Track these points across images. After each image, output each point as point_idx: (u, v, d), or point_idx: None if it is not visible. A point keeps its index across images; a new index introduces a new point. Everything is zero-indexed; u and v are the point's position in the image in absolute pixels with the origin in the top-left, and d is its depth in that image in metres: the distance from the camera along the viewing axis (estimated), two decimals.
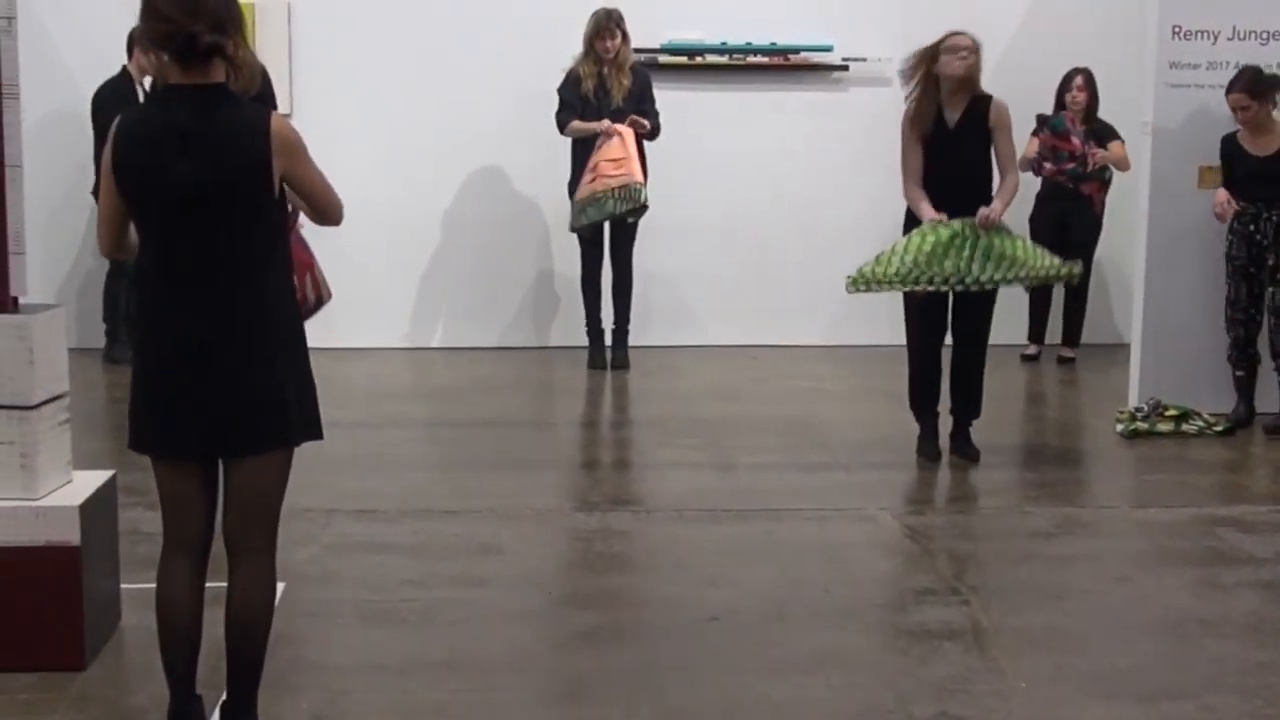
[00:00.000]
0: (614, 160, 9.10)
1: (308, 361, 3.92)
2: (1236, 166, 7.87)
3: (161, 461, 3.85)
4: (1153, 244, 8.18)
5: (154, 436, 3.81)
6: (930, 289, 6.99)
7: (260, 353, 3.76)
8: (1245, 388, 8.02)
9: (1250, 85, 7.77)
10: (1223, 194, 7.87)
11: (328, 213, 3.92)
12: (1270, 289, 7.83)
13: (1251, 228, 7.84)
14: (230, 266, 3.72)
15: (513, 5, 10.10)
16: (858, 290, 7.12)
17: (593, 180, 9.15)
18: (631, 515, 6.37)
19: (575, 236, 9.65)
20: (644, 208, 9.16)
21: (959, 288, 6.96)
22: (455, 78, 10.14)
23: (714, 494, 6.70)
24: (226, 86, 3.70)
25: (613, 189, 9.08)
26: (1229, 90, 7.81)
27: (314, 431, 3.93)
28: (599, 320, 9.73)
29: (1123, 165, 9.65)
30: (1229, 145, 7.92)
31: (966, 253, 6.89)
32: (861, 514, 6.39)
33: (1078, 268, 7.33)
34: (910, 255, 6.90)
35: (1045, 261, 7.06)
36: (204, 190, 3.65)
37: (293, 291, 3.89)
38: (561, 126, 9.33)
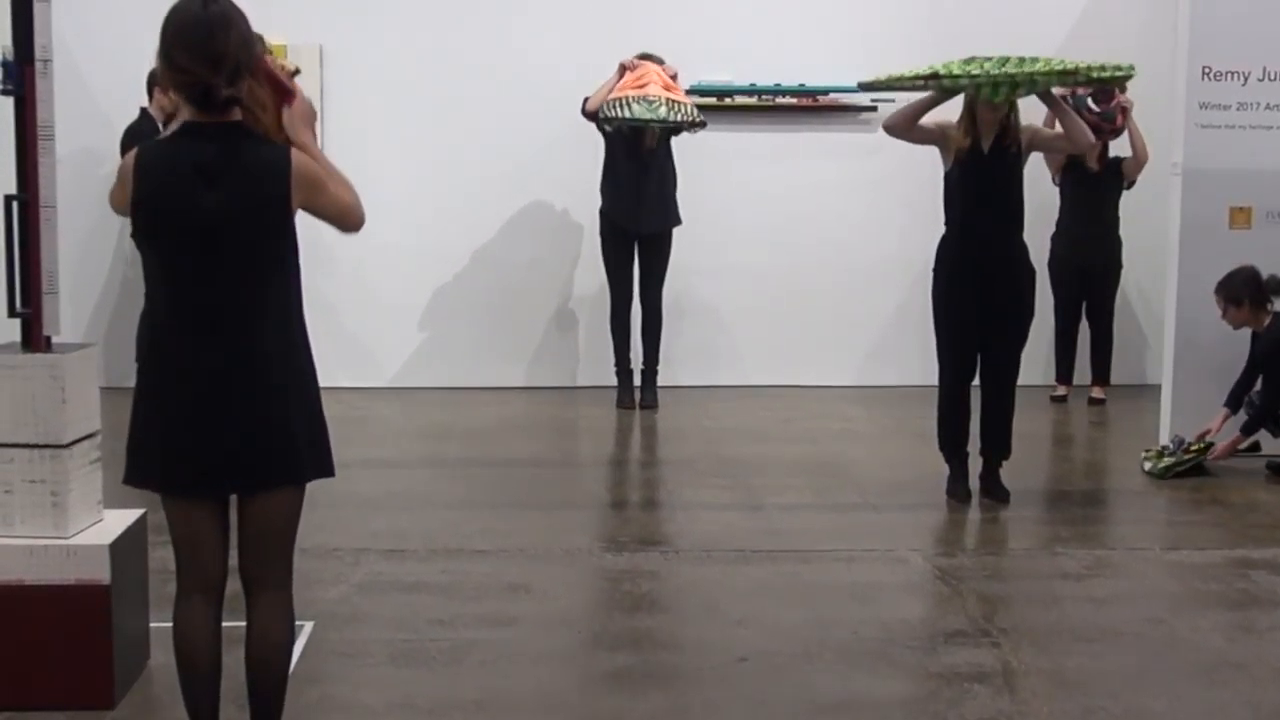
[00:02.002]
0: (666, 83, 9.14)
1: (319, 398, 3.91)
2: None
3: (172, 500, 3.83)
4: (1183, 284, 8.14)
5: (163, 473, 3.80)
6: (948, 84, 6.78)
7: (274, 388, 3.77)
8: None
9: (1222, 287, 7.80)
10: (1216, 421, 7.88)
11: (352, 227, 3.92)
12: None
13: None
14: (247, 303, 3.74)
15: (541, 48, 10.15)
16: (861, 88, 7.09)
17: (644, 86, 9.08)
18: (660, 555, 6.35)
19: (604, 275, 9.69)
20: (703, 123, 9.20)
21: (985, 81, 6.69)
22: (485, 118, 10.19)
23: (743, 534, 6.67)
24: (244, 124, 3.73)
25: (666, 99, 9.03)
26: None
27: (325, 469, 3.92)
28: (627, 360, 9.73)
29: (1141, 151, 9.58)
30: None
31: (992, 59, 6.77)
32: (891, 555, 6.35)
33: (1128, 64, 7.05)
34: (924, 69, 6.86)
35: (1090, 64, 6.90)
36: (227, 224, 3.67)
37: (304, 327, 3.89)
38: (584, 105, 9.31)
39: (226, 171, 3.67)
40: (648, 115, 9.02)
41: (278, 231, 3.75)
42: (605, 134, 9.37)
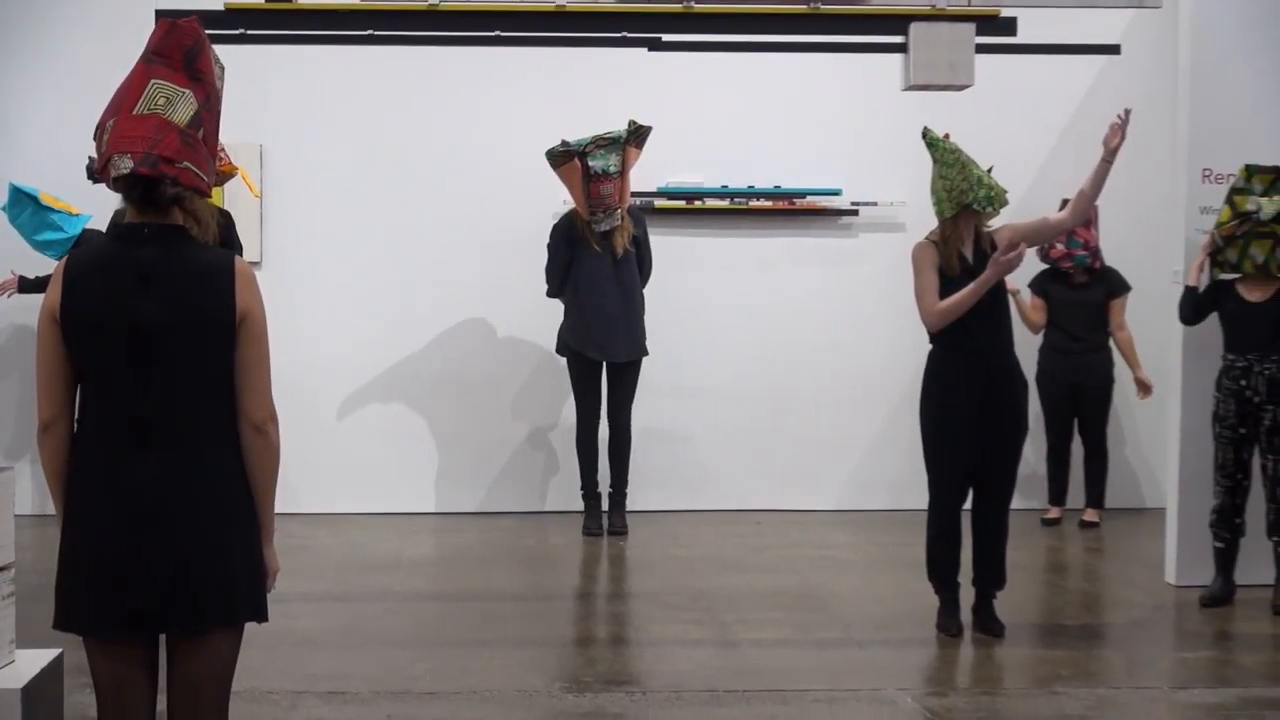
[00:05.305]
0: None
1: (258, 536, 3.86)
2: (1226, 310, 7.84)
3: (98, 645, 3.76)
4: (1187, 401, 8.16)
5: (90, 615, 3.72)
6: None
7: (213, 524, 3.73)
8: (1226, 561, 7.83)
9: None
10: None
11: (259, 412, 3.80)
12: (1270, 456, 7.68)
13: (1242, 383, 7.70)
14: (188, 427, 3.71)
15: (492, 144, 10.21)
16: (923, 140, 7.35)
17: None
18: (626, 696, 6.28)
19: (571, 395, 9.71)
20: (646, 128, 9.31)
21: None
22: (433, 227, 10.26)
23: (716, 673, 6.60)
24: (187, 231, 3.73)
25: (595, 137, 9.28)
26: None
27: (260, 613, 3.87)
28: (595, 483, 9.71)
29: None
30: (1220, 288, 7.87)
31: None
32: (878, 695, 6.30)
33: None
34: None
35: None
36: (167, 337, 3.66)
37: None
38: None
39: (172, 275, 3.67)
40: (601, 164, 9.21)
41: (224, 346, 3.73)
42: (564, 253, 9.45)
